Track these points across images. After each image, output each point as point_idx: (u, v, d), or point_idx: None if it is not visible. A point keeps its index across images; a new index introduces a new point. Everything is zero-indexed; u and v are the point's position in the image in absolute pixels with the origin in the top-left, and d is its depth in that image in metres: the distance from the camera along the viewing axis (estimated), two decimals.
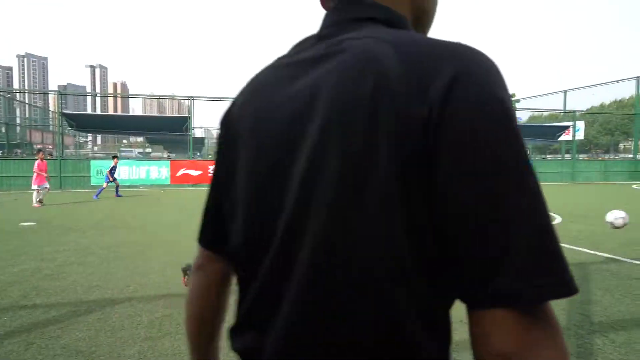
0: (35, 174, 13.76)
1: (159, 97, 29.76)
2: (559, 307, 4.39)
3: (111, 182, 16.61)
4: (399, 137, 0.52)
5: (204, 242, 0.89)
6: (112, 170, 16.73)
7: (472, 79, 0.52)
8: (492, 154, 0.49)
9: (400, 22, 0.66)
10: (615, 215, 5.91)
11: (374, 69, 0.56)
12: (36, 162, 13.99)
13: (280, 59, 0.74)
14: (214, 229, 0.84)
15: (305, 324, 0.60)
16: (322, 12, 0.74)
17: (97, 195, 15.96)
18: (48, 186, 14.09)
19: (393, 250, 0.54)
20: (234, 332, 0.75)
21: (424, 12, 0.73)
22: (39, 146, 37.02)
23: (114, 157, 18.04)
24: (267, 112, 0.68)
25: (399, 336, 0.56)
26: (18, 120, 42.61)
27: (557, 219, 10.54)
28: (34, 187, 13.64)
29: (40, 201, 13.44)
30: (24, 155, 28.11)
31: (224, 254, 0.83)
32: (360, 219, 0.55)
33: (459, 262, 0.51)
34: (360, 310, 0.56)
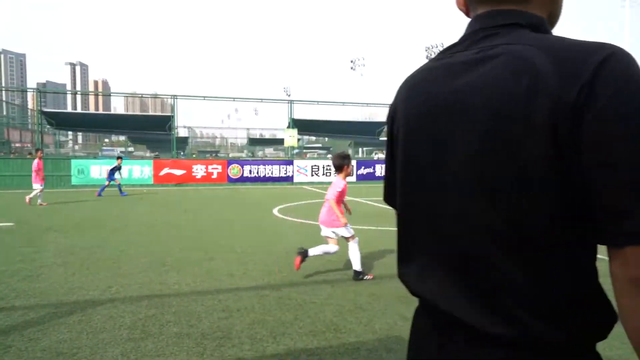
0: (35, 173, 13.44)
1: (141, 96, 29.37)
2: None
3: (112, 181, 16.87)
4: (553, 120, 0.64)
5: (387, 200, 1.09)
6: (114, 170, 16.98)
7: (616, 61, 0.63)
8: (636, 122, 0.61)
9: (543, 26, 0.77)
10: None
11: (527, 70, 0.67)
12: (36, 161, 13.71)
13: (434, 60, 0.86)
14: (389, 192, 1.04)
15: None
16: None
17: (100, 193, 16.29)
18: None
19: (552, 223, 0.67)
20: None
21: (555, 16, 0.84)
22: (16, 145, 36.14)
23: (118, 157, 18.23)
24: (426, 106, 0.81)
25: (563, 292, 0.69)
26: None
27: None
28: (38, 186, 13.34)
29: (30, 199, 13.22)
30: (2, 154, 27.43)
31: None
32: (525, 197, 0.67)
33: (601, 213, 0.64)
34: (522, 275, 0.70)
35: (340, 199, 5.66)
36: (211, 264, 6.18)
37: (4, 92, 55.15)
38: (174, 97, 22.42)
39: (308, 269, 5.86)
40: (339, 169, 5.73)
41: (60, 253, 6.80)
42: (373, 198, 15.73)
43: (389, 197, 1.05)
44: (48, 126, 24.51)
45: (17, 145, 35.49)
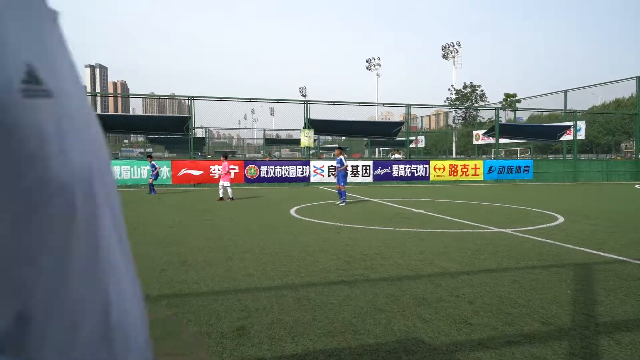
0: None
1: (159, 97, 29.72)
2: (563, 308, 4.38)
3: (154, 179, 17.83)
4: None
5: None
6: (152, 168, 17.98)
7: None
8: None
9: None
10: None
11: None
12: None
13: None
14: None
15: None
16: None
17: (154, 191, 17.51)
18: None
19: None
20: None
21: None
22: None
23: (149, 156, 18.84)
24: None
25: None
26: None
27: (559, 219, 10.53)
28: None
29: None
30: None
31: None
32: None
33: None
34: None
35: None
36: (230, 264, 6.23)
37: None
38: (191, 98, 22.65)
39: (326, 270, 5.86)
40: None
41: None
42: (391, 199, 15.66)
43: None
44: None
45: None
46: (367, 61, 73.67)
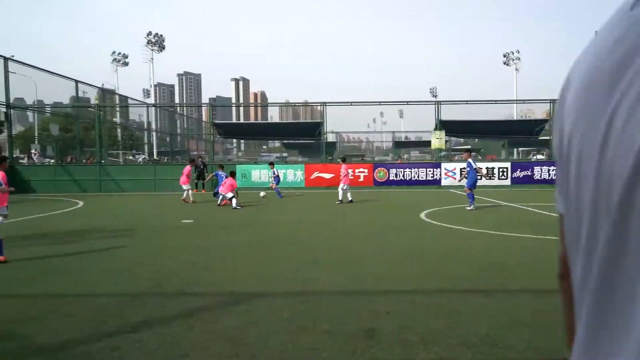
0: (185, 176, 17.04)
1: (293, 105, 31.54)
2: None
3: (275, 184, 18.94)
4: None
5: None
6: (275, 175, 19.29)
7: None
8: None
9: None
10: None
11: None
12: (187, 167, 17.67)
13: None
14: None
15: None
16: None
17: (280, 195, 18.39)
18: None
19: None
20: None
21: None
22: (194, 152, 42.06)
23: (271, 163, 20.33)
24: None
25: None
26: (179, 131, 48.93)
27: None
28: (187, 186, 16.78)
29: (185, 199, 16.48)
30: (184, 160, 32.12)
31: None
32: None
33: None
34: None
35: None
36: (360, 265, 6.31)
37: (185, 108, 64.55)
38: (324, 104, 23.57)
39: (459, 277, 5.60)
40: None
41: (227, 248, 7.66)
42: (532, 203, 14.34)
43: None
44: (218, 136, 27.86)
45: (194, 153, 41.24)
46: (504, 55, 68.62)
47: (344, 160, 17.27)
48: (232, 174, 15.82)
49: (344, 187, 15.69)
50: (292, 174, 22.56)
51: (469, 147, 26.15)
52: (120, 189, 22.49)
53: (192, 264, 6.48)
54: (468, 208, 12.89)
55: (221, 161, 28.93)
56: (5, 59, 22.14)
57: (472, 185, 13.31)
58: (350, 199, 15.62)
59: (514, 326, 3.97)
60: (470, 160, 13.59)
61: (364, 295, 4.97)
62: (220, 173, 16.90)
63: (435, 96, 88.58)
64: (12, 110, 23.41)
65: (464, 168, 14.02)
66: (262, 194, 18.37)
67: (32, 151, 32.86)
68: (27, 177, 22.66)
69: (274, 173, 19.30)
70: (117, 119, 41.14)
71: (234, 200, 14.65)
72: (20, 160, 34.18)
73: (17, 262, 6.72)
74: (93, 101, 32.35)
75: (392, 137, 53.83)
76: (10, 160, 24.39)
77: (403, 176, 22.31)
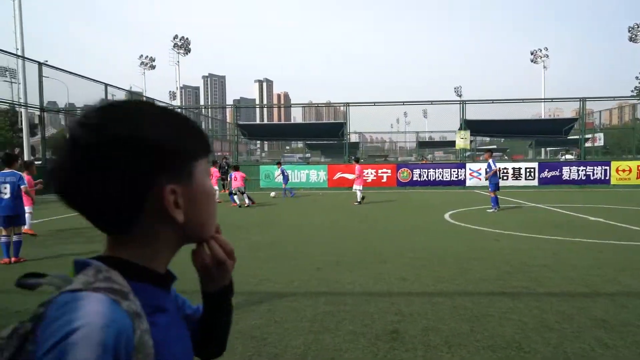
0: (214, 177, 17.62)
1: (316, 105, 31.60)
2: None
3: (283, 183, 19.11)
4: None
5: None
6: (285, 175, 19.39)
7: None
8: None
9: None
10: None
11: None
12: (213, 168, 18.16)
13: None
14: None
15: None
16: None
17: (293, 194, 18.83)
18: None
19: None
20: None
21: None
22: (219, 153, 42.75)
23: (278, 162, 20.33)
24: None
25: None
26: None
27: None
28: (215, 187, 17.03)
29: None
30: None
31: None
32: None
33: None
34: None
35: None
36: (383, 266, 6.29)
37: (209, 109, 65.46)
38: (346, 104, 23.52)
39: (484, 279, 5.51)
40: None
41: (250, 248, 7.74)
42: (560, 204, 13.98)
43: None
44: (242, 137, 28.13)
45: (219, 154, 41.78)
46: (531, 53, 67.10)
47: (357, 161, 17.34)
48: (236, 168, 16.48)
49: (360, 188, 15.66)
50: (315, 175, 22.59)
51: (489, 147, 25.62)
52: None
53: None
54: (489, 210, 12.65)
55: (244, 162, 29.22)
56: (40, 64, 22.91)
57: (496, 187, 13.05)
58: (358, 199, 15.66)
59: (541, 330, 3.88)
60: (490, 161, 13.30)
61: (387, 296, 4.94)
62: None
63: (460, 95, 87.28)
64: (45, 113, 24.22)
65: (486, 169, 13.70)
66: (272, 194, 18.85)
67: None
68: None
69: (283, 172, 19.42)
70: None
71: (246, 197, 15.05)
72: None
73: (50, 260, 6.95)
74: None
75: (416, 137, 53.32)
76: (43, 161, 25.21)
77: (427, 177, 22.08)
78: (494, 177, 13.08)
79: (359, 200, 15.60)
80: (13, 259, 6.85)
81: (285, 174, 19.53)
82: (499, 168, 13.30)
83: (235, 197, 15.27)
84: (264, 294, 5.05)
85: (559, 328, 3.92)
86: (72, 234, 9.44)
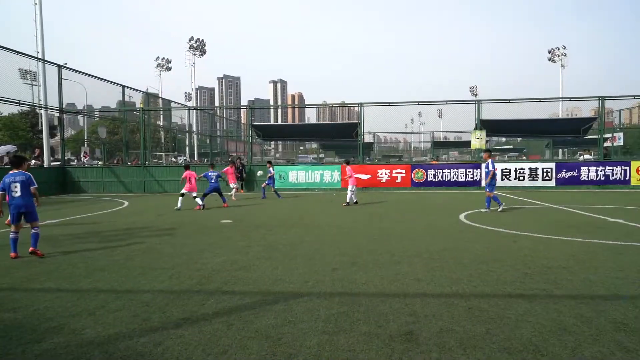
0: (230, 175, 18.33)
1: (331, 106, 31.54)
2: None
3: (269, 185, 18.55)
4: None
5: None
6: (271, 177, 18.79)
7: None
8: None
9: None
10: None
11: None
12: (228, 168, 18.76)
13: None
14: None
15: None
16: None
17: (264, 196, 18.56)
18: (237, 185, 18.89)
19: None
20: None
21: None
22: (233, 154, 42.98)
23: (268, 162, 19.77)
24: None
25: None
26: (218, 133, 50.00)
27: None
28: (232, 185, 18.20)
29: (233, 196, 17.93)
30: (223, 162, 32.79)
31: None
32: None
33: None
34: None
35: None
36: (398, 267, 6.26)
37: (224, 110, 65.89)
38: (360, 105, 23.46)
39: (500, 281, 5.45)
40: None
41: (266, 248, 7.77)
42: (579, 205, 13.75)
43: None
44: (256, 137, 28.27)
45: (233, 154, 42.04)
46: (549, 52, 66.08)
47: (347, 163, 17.45)
48: (232, 164, 17.10)
49: (353, 189, 15.51)
50: (329, 175, 22.60)
51: (506, 147, 25.24)
52: (162, 189, 23.26)
53: (232, 263, 6.62)
54: (499, 210, 12.50)
55: (259, 162, 29.34)
56: (59, 67, 23.39)
57: (494, 189, 12.95)
58: (355, 200, 15.58)
59: (558, 333, 3.83)
60: (490, 161, 13.08)
61: (403, 297, 4.92)
62: (210, 173, 15.72)
63: (476, 95, 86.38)
64: (64, 114, 24.68)
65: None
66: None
67: (82, 154, 34.51)
68: (77, 177, 23.83)
69: (269, 172, 18.54)
70: (160, 122, 42.51)
71: (234, 192, 15.50)
72: (71, 162, 35.93)
73: (69, 259, 7.08)
74: (138, 105, 33.62)
75: (431, 137, 52.91)
76: (62, 162, 25.72)
77: (442, 177, 21.92)
78: (493, 177, 12.93)
79: (347, 202, 15.36)
80: (30, 249, 7.27)
81: (271, 174, 18.67)
82: (495, 169, 13.04)
83: (233, 185, 16.50)
84: (279, 294, 5.07)
85: (577, 331, 3.86)
86: (88, 234, 9.60)
